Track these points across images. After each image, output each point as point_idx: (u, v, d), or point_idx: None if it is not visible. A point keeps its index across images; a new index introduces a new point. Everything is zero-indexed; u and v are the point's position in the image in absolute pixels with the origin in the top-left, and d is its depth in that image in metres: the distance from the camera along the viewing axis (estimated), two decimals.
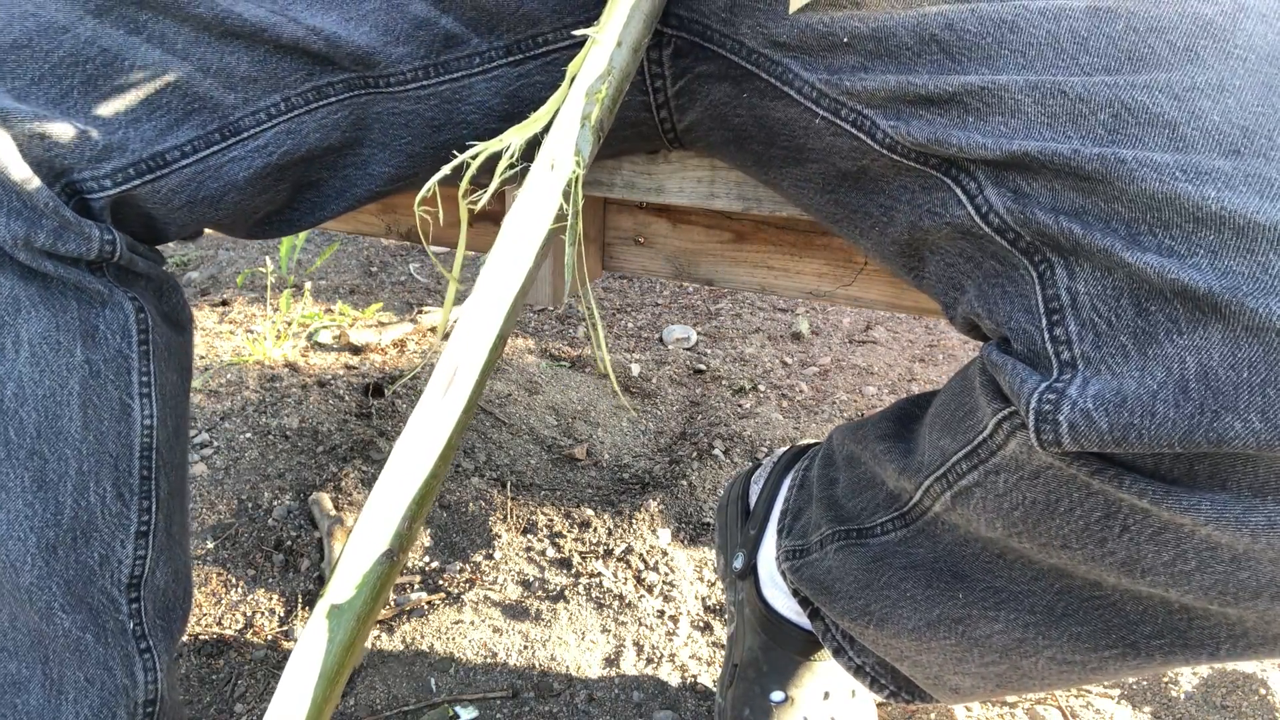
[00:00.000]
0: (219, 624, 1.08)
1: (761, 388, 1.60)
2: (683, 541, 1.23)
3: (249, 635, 1.07)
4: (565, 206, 0.53)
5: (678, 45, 0.62)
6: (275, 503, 1.26)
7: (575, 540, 1.22)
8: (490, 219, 0.95)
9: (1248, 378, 0.39)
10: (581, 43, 0.58)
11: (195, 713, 0.97)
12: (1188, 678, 1.02)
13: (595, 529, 1.24)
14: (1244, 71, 0.44)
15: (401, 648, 1.05)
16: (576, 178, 0.53)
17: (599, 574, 1.16)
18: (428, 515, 1.24)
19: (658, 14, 0.58)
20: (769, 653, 0.90)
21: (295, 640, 1.06)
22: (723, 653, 1.06)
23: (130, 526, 0.62)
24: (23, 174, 0.53)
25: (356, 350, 1.65)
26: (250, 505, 1.25)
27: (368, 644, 1.05)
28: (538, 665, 1.03)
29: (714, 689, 1.01)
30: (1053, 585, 0.55)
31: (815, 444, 0.89)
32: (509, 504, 1.28)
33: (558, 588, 1.14)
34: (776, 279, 0.89)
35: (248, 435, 1.38)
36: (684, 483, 1.33)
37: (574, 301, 1.90)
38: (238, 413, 1.43)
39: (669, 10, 0.61)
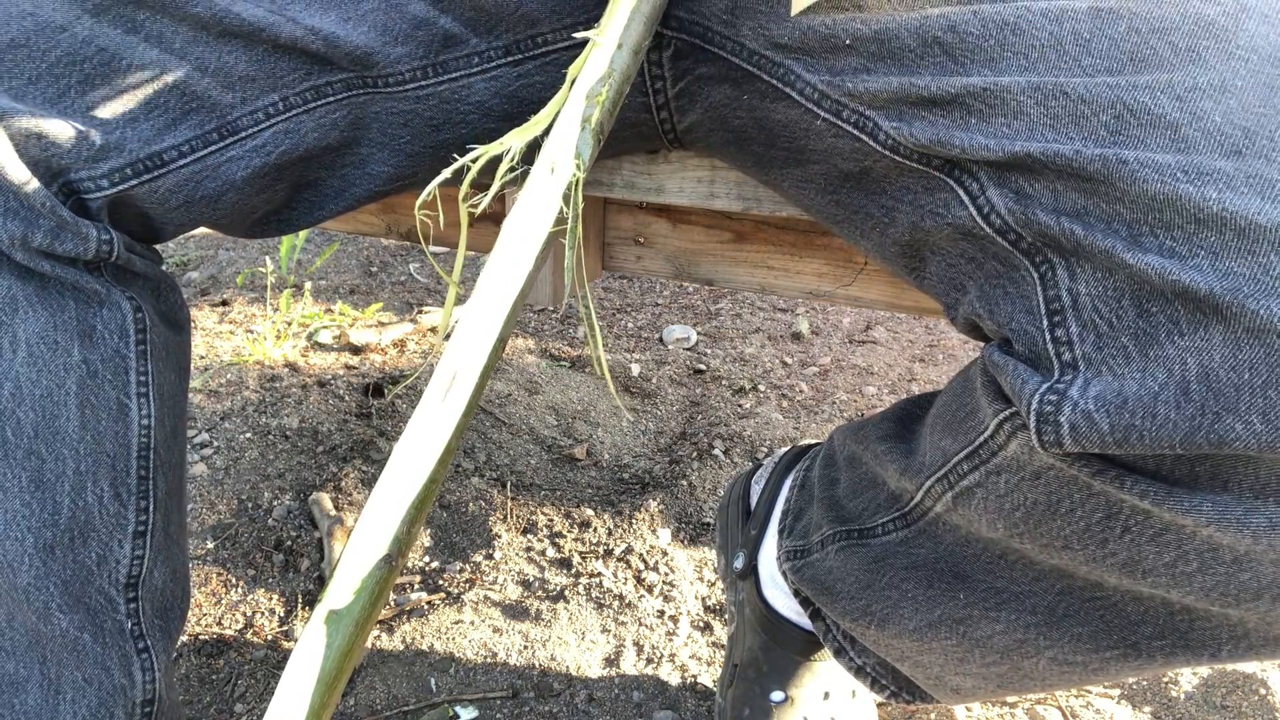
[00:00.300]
0: (219, 624, 1.08)
1: (761, 388, 1.60)
2: (683, 541, 1.23)
3: (249, 635, 1.07)
4: (565, 209, 0.53)
5: (678, 47, 0.62)
6: (275, 503, 1.26)
7: (575, 540, 1.22)
8: (491, 220, 0.95)
9: (1249, 379, 0.39)
10: (582, 44, 0.58)
11: (195, 713, 0.97)
12: (1188, 678, 1.02)
13: (595, 529, 1.24)
14: (1246, 72, 0.44)
15: (401, 648, 1.05)
16: (577, 181, 0.53)
17: (599, 574, 1.16)
18: (427, 517, 1.24)
19: (658, 16, 0.57)
20: (769, 653, 0.90)
21: (295, 640, 1.06)
22: (723, 653, 1.06)
23: (128, 526, 0.62)
24: (19, 174, 0.53)
25: (356, 350, 1.65)
26: (250, 505, 1.25)
27: (368, 644, 1.05)
28: (538, 665, 1.03)
29: (714, 689, 1.01)
30: (1054, 586, 0.55)
31: (816, 444, 0.89)
32: (509, 504, 1.28)
33: (558, 588, 1.14)
34: (776, 279, 0.89)
35: (248, 435, 1.38)
36: (684, 483, 1.33)
37: (574, 301, 1.90)
38: (238, 413, 1.43)
39: (669, 12, 0.61)
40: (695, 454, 1.40)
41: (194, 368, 1.54)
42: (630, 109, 0.66)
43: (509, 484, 1.32)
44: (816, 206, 0.62)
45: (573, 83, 0.54)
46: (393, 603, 1.12)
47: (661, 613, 1.11)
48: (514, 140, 0.55)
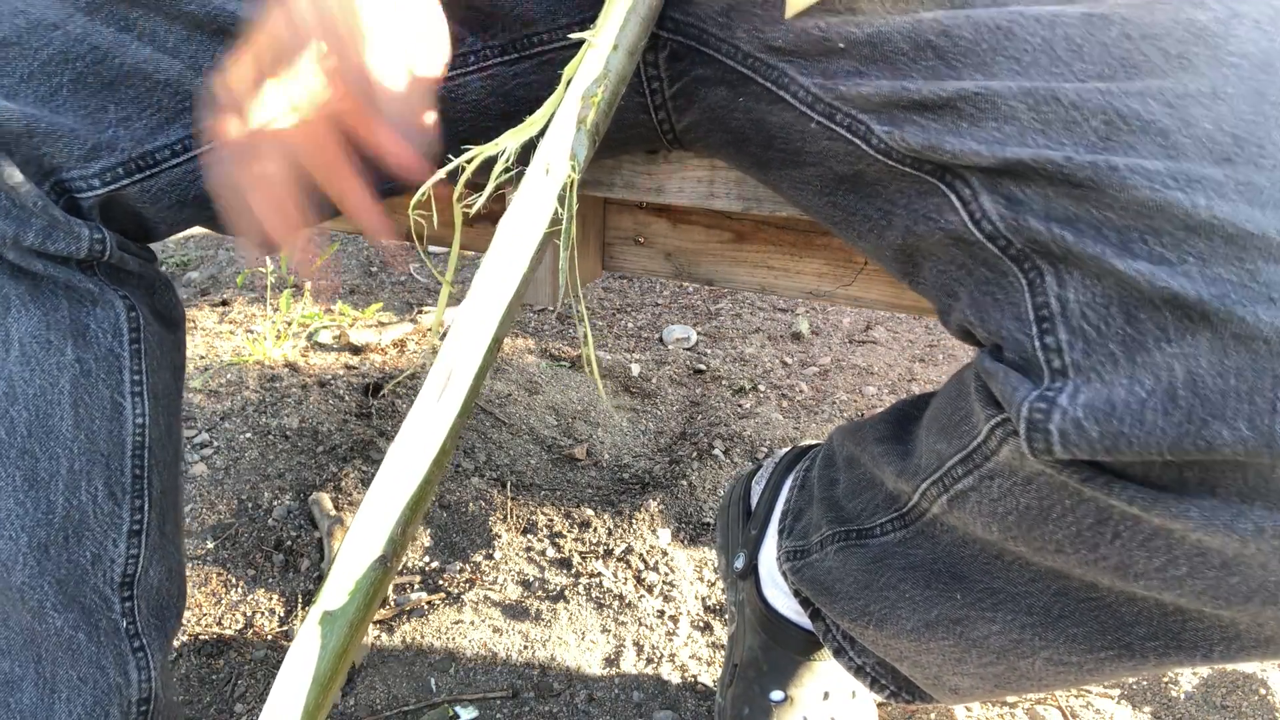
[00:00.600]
0: (219, 624, 1.08)
1: (761, 388, 1.60)
2: (683, 541, 1.23)
3: (249, 635, 1.07)
4: (560, 210, 0.53)
5: (674, 49, 0.62)
6: (275, 503, 1.26)
7: (575, 540, 1.22)
8: (489, 219, 0.95)
9: (1235, 385, 0.39)
10: (577, 44, 0.58)
11: (195, 713, 0.97)
12: (1188, 678, 1.02)
13: (595, 529, 1.24)
14: (1236, 78, 0.44)
15: (401, 648, 1.05)
16: (572, 182, 0.53)
17: (599, 574, 1.16)
18: (425, 517, 1.24)
19: (654, 18, 0.57)
20: (769, 652, 0.89)
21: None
22: (722, 653, 1.06)
23: (123, 525, 0.62)
24: (11, 173, 0.53)
25: (356, 350, 1.65)
26: (250, 505, 1.25)
27: (367, 643, 1.05)
28: (538, 665, 1.03)
29: (714, 689, 1.01)
30: (1049, 587, 0.55)
31: (816, 445, 0.89)
32: (509, 504, 1.28)
33: (558, 588, 1.14)
34: (776, 279, 0.89)
35: (248, 435, 1.38)
36: (684, 483, 1.33)
37: (573, 302, 1.90)
38: (238, 413, 1.43)
39: (664, 14, 0.61)
40: (695, 454, 1.40)
41: (194, 368, 1.54)
42: (628, 110, 0.66)
43: (509, 484, 1.32)
44: (815, 208, 0.62)
45: (568, 84, 0.54)
46: (393, 603, 1.12)
47: (661, 613, 1.11)
48: (509, 141, 0.55)
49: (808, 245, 0.86)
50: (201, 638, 1.06)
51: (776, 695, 0.88)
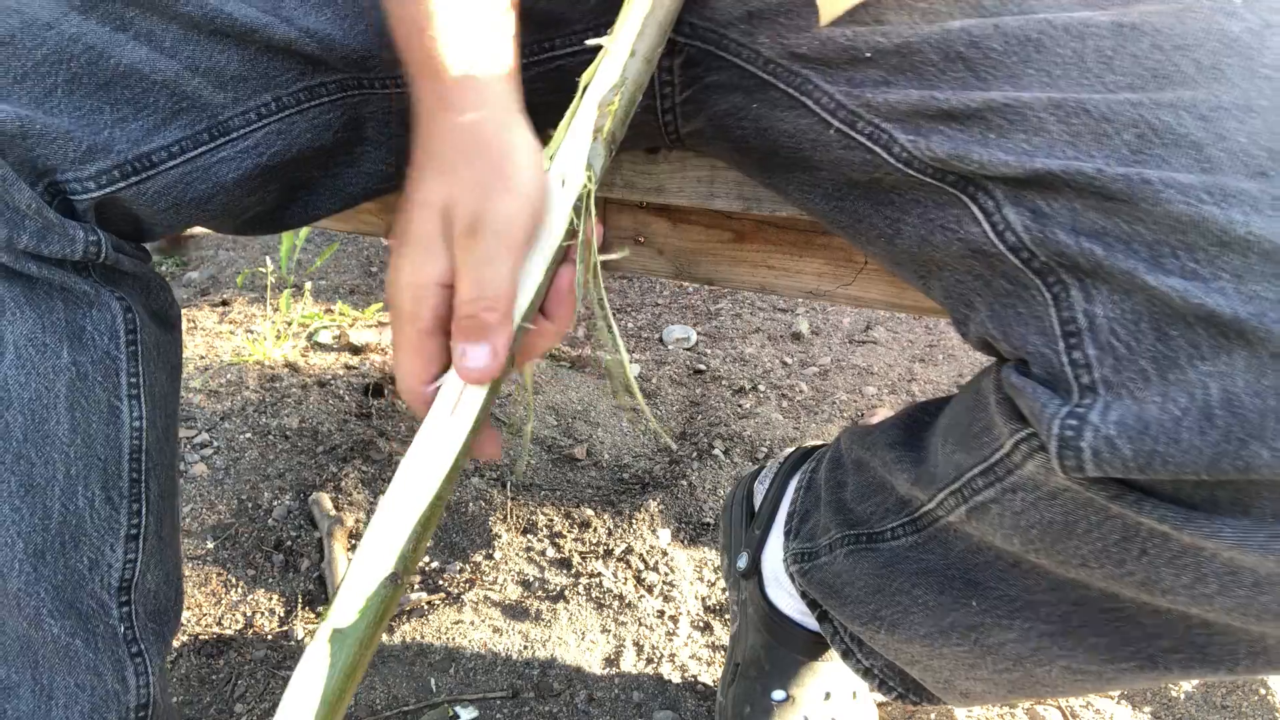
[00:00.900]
0: (219, 624, 1.08)
1: (761, 388, 1.59)
2: (683, 541, 1.23)
3: (249, 635, 1.07)
4: (576, 221, 0.53)
5: (690, 54, 0.62)
6: (275, 503, 1.26)
7: (575, 540, 1.22)
8: None
9: (1274, 405, 0.38)
10: (584, 50, 0.58)
11: (195, 713, 0.97)
12: None
13: (595, 529, 1.24)
14: (1271, 91, 0.43)
15: (401, 648, 1.05)
16: (588, 193, 0.53)
17: (599, 574, 1.16)
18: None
19: (672, 23, 0.57)
20: (771, 652, 0.89)
21: (295, 640, 1.06)
22: (722, 653, 1.06)
23: (120, 530, 0.62)
24: (5, 175, 0.53)
25: (356, 350, 1.65)
26: (250, 505, 1.25)
27: None
28: (538, 665, 1.03)
29: (714, 689, 1.01)
30: (1069, 596, 0.55)
31: (821, 446, 0.89)
32: (509, 504, 1.28)
33: (558, 588, 1.14)
34: (776, 279, 0.89)
35: (248, 435, 1.38)
36: (684, 483, 1.33)
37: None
38: (238, 413, 1.43)
39: (682, 19, 0.60)
40: (695, 454, 1.40)
41: (194, 368, 1.54)
42: (635, 111, 0.66)
43: (509, 484, 1.32)
44: (820, 211, 0.62)
45: (584, 91, 0.54)
46: None
47: (661, 613, 1.11)
48: None
49: (808, 245, 0.86)
50: (201, 638, 1.06)
51: (778, 694, 0.88)
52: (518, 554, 1.20)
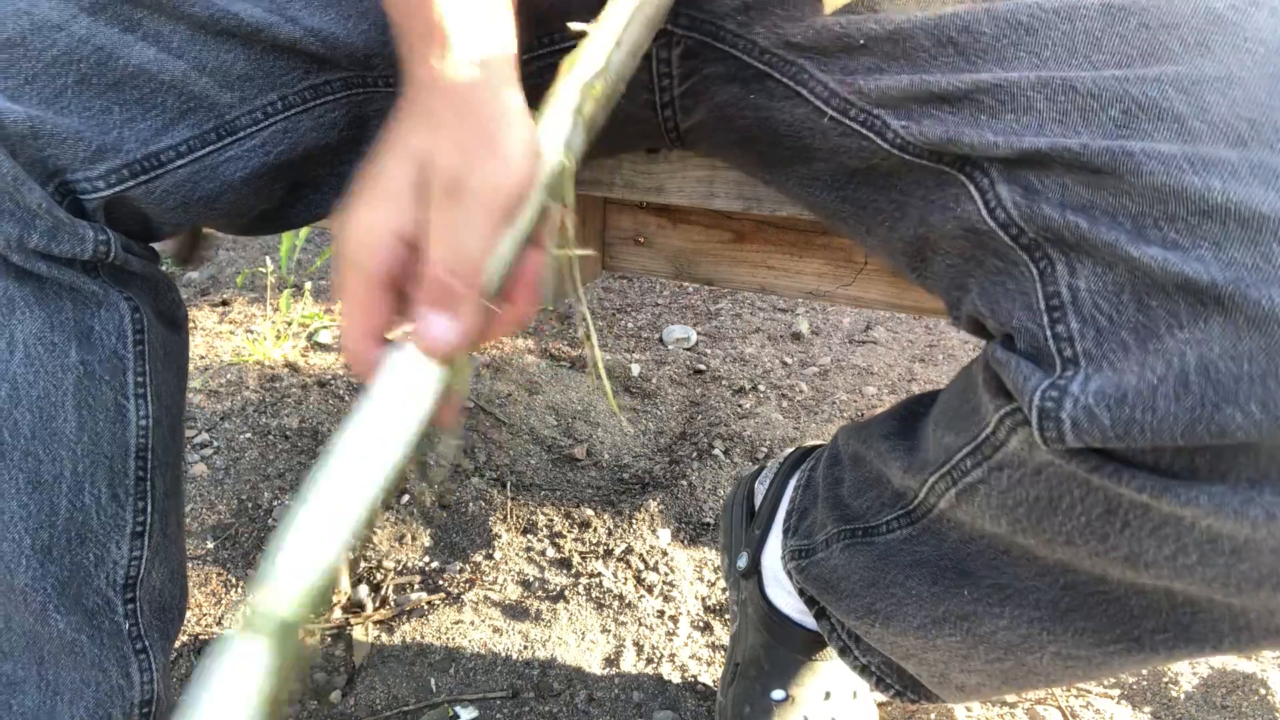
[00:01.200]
0: (219, 624, 1.08)
1: (761, 388, 1.60)
2: (683, 541, 1.23)
3: None
4: (550, 203, 0.51)
5: (688, 46, 0.62)
6: (275, 503, 1.26)
7: (575, 540, 1.22)
8: None
9: (1248, 369, 0.39)
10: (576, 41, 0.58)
11: None
12: (1188, 677, 1.02)
13: (595, 529, 1.24)
14: (1252, 63, 0.44)
15: (401, 648, 1.05)
16: (568, 171, 0.51)
17: (599, 574, 1.16)
18: (424, 518, 1.24)
19: (661, 19, 0.57)
20: (771, 651, 0.90)
21: None
22: (722, 653, 1.06)
23: (125, 527, 0.62)
24: (15, 175, 0.53)
25: None
26: (250, 505, 1.25)
27: (368, 643, 1.05)
28: (538, 665, 1.03)
29: (714, 689, 1.01)
30: (1057, 581, 0.55)
31: (821, 445, 0.90)
32: (509, 504, 1.28)
33: (558, 588, 1.14)
34: (776, 279, 0.89)
35: (248, 435, 1.38)
36: (684, 483, 1.33)
37: (574, 302, 1.90)
38: (238, 413, 1.43)
39: (679, 11, 0.61)
40: (695, 454, 1.40)
41: (194, 368, 1.54)
42: (634, 105, 0.66)
43: (509, 484, 1.32)
44: (822, 204, 0.62)
45: (568, 74, 0.54)
46: (393, 603, 1.12)
47: (661, 613, 1.11)
48: None
49: (808, 245, 0.86)
50: (201, 638, 1.06)
51: (778, 694, 0.88)
52: (518, 554, 1.20)
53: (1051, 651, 0.58)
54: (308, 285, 1.79)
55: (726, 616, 1.11)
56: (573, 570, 1.17)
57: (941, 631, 0.63)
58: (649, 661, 1.04)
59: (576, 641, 1.07)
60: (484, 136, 0.47)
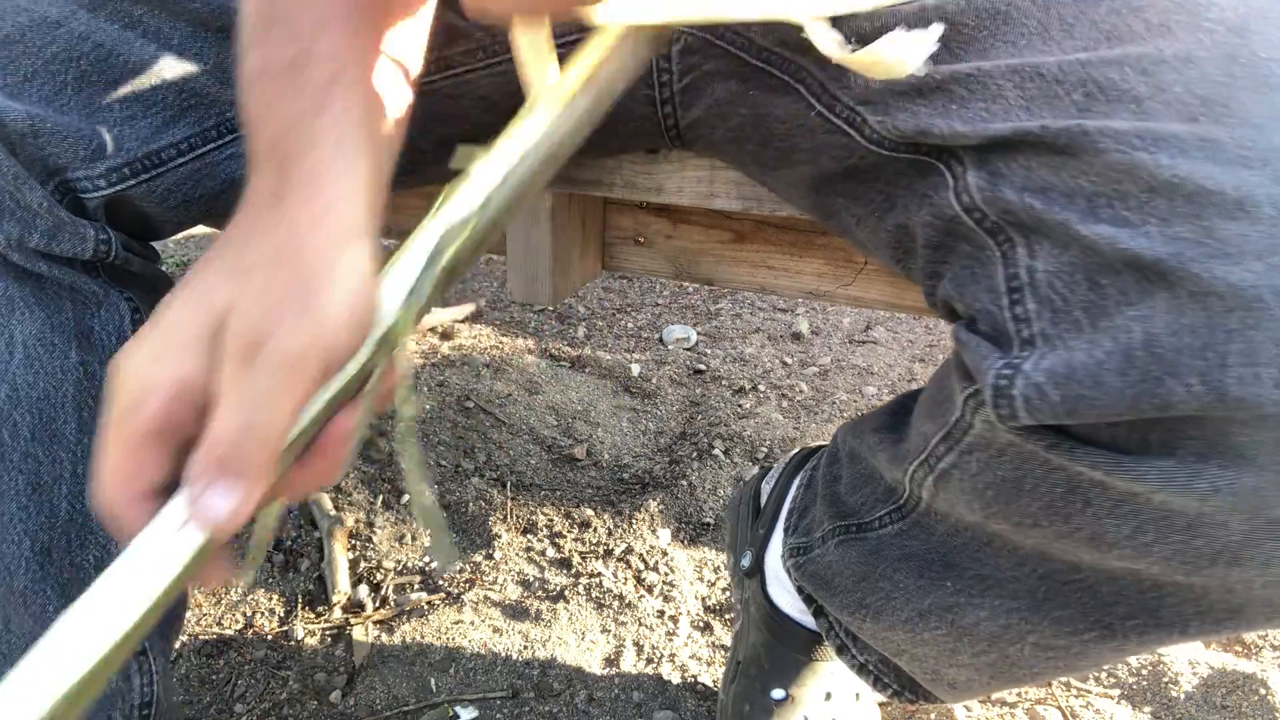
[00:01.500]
0: (219, 624, 1.08)
1: (761, 388, 1.60)
2: (683, 541, 1.23)
3: (249, 635, 1.07)
4: (375, 361, 0.43)
5: (688, 42, 0.62)
6: (275, 502, 1.25)
7: (575, 540, 1.22)
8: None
9: (1189, 342, 0.39)
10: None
11: (195, 713, 0.97)
12: (1188, 678, 1.02)
13: (595, 529, 1.24)
14: (1210, 42, 0.44)
15: (401, 648, 1.05)
16: (398, 332, 0.44)
17: (599, 574, 1.16)
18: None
19: (566, 156, 0.48)
20: (772, 650, 0.90)
21: (294, 640, 1.06)
22: (722, 653, 1.06)
23: None
24: (16, 173, 0.53)
25: None
26: None
27: (368, 643, 1.05)
28: (538, 665, 1.03)
29: (714, 689, 1.01)
30: (1035, 570, 0.56)
31: (825, 446, 0.90)
32: (509, 504, 1.28)
33: (558, 588, 1.14)
34: (776, 279, 0.89)
35: None
36: (684, 483, 1.33)
37: (574, 301, 1.90)
38: None
39: None
40: (695, 454, 1.40)
41: None
42: (634, 101, 0.66)
43: (509, 484, 1.32)
44: (812, 203, 0.63)
45: (436, 210, 0.45)
46: (393, 603, 1.12)
47: (661, 613, 1.11)
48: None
49: (808, 245, 0.86)
50: (201, 638, 1.06)
51: (778, 694, 0.89)
52: (518, 554, 1.20)
53: (1031, 642, 0.58)
54: None
55: (727, 616, 1.11)
56: (573, 570, 1.17)
57: (928, 624, 0.64)
58: (649, 661, 1.04)
59: (576, 641, 1.06)
60: (298, 291, 0.40)
